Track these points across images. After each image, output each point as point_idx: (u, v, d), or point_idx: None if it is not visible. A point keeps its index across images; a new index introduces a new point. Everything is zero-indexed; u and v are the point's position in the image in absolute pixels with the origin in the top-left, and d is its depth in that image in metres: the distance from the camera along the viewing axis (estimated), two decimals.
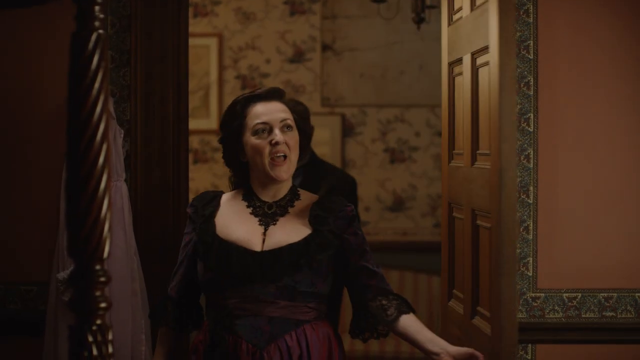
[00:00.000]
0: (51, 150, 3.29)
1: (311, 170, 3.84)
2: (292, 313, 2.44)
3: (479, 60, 2.62)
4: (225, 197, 2.62)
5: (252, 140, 2.50)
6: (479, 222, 2.65)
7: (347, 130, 6.35)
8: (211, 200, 2.60)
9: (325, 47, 6.38)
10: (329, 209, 2.52)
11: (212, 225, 2.52)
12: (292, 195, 2.57)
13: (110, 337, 1.45)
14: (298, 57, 6.37)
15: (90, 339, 1.42)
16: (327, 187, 3.72)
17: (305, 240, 2.47)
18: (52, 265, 3.17)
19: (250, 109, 2.54)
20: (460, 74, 2.89)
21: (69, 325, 1.45)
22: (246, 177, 2.59)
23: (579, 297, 3.17)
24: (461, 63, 2.87)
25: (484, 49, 2.53)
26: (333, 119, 6.31)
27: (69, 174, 1.46)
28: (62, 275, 3.09)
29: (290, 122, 2.52)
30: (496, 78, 2.37)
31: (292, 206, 2.54)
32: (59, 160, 3.22)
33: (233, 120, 2.56)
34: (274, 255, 2.45)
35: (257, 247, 2.48)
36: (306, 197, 2.59)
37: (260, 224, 2.52)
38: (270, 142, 2.48)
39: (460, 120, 2.90)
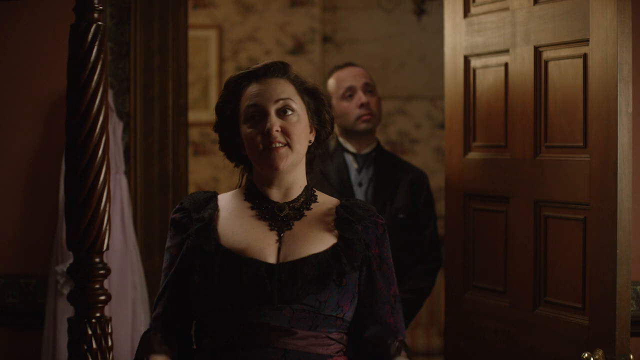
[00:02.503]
0: (50, 142, 3.28)
1: (383, 161, 3.45)
2: (313, 345, 1.94)
3: (550, 54, 2.67)
4: (222, 198, 2.11)
5: (244, 129, 2.02)
6: (547, 213, 2.68)
7: None
8: (206, 201, 2.08)
9: (325, 39, 6.37)
10: (358, 214, 2.06)
11: (213, 232, 2.01)
12: (308, 195, 2.09)
13: (109, 329, 1.45)
14: (298, 48, 6.36)
15: (90, 331, 1.42)
16: (407, 182, 3.46)
17: (333, 250, 1.98)
18: (51, 258, 3.16)
19: (244, 89, 2.06)
20: (484, 67, 2.92)
21: (68, 318, 1.44)
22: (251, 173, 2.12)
23: None
24: (485, 56, 2.91)
25: (568, 43, 2.59)
26: None
27: (68, 166, 1.45)
28: (61, 268, 3.08)
29: (292, 102, 2.04)
30: (610, 72, 2.41)
31: (309, 209, 2.06)
32: (58, 152, 3.21)
33: (226, 103, 2.08)
34: (295, 269, 1.94)
35: (272, 259, 1.97)
36: (325, 200, 2.11)
37: (271, 229, 2.02)
38: (262, 131, 1.99)
39: (485, 113, 2.92)
